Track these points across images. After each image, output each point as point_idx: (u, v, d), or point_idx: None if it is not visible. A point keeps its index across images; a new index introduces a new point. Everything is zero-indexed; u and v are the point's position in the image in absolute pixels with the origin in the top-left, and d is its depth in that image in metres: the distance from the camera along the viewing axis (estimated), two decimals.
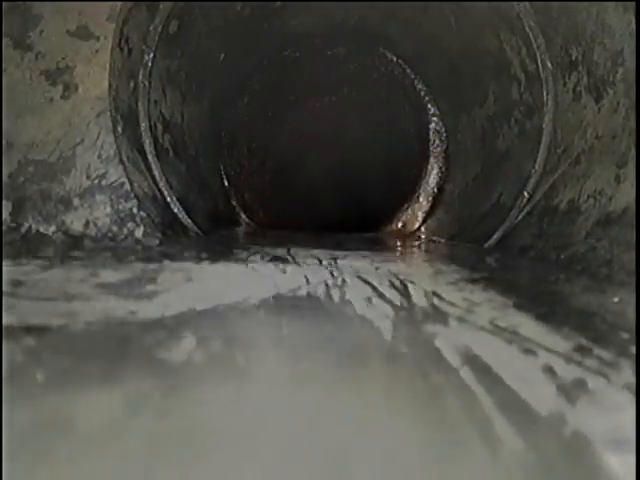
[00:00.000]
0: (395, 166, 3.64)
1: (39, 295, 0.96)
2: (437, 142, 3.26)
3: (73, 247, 1.72)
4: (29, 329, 0.73)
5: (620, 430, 0.49)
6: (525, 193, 2.22)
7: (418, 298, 1.05)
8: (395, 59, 3.23)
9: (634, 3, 1.58)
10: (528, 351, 0.71)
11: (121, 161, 1.92)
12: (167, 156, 2.36)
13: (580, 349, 0.72)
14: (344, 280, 1.21)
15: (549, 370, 0.63)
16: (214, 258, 1.54)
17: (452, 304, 0.99)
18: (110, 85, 1.93)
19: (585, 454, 0.45)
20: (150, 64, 2.19)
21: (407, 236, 3.28)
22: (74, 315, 0.81)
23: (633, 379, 0.61)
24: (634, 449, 0.45)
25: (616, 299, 1.08)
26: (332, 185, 3.98)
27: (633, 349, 0.74)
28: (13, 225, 1.82)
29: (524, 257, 1.87)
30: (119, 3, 1.91)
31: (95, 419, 0.48)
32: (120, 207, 1.88)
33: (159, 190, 2.19)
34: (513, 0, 2.14)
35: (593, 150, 1.81)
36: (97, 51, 1.92)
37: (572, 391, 0.57)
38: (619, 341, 0.79)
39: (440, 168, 3.27)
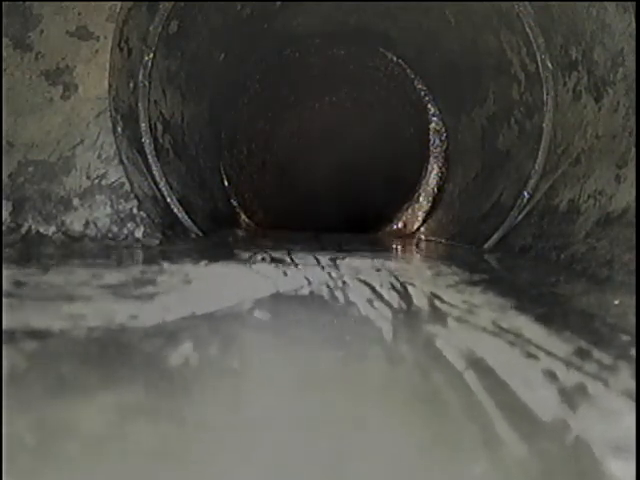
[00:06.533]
0: (395, 166, 3.64)
1: (42, 295, 0.96)
2: (437, 142, 3.26)
3: (73, 247, 1.71)
4: (31, 332, 0.73)
5: (620, 435, 0.49)
6: (525, 193, 2.22)
7: (418, 300, 1.05)
8: (395, 59, 3.23)
9: (634, 3, 1.58)
10: (529, 354, 0.70)
11: (121, 161, 1.92)
12: (167, 156, 2.36)
13: (580, 352, 0.72)
14: (344, 282, 1.21)
15: (550, 374, 0.63)
16: (214, 260, 1.54)
17: (452, 306, 0.99)
18: (110, 85, 1.93)
19: (587, 459, 0.45)
20: (150, 64, 2.19)
21: (407, 236, 3.28)
22: (75, 319, 0.81)
23: (632, 383, 0.61)
24: (634, 454, 0.45)
25: (616, 302, 1.08)
26: (332, 185, 3.98)
27: (633, 351, 0.73)
28: (13, 225, 1.81)
29: (524, 257, 1.87)
30: (119, 3, 1.91)
31: (95, 424, 0.48)
32: (120, 207, 1.88)
33: (159, 190, 2.19)
34: (513, 0, 2.13)
35: (593, 150, 1.81)
36: (97, 51, 1.92)
37: (573, 396, 0.57)
38: (619, 344, 0.78)
39: (440, 168, 3.27)
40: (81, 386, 0.57)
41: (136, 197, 1.92)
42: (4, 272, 1.16)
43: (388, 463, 0.44)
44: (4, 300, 0.90)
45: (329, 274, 1.31)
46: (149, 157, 2.21)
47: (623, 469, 0.43)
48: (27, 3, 1.89)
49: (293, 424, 0.50)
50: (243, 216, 3.32)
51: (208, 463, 0.42)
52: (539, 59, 2.14)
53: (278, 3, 2.68)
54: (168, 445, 0.45)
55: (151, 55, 2.18)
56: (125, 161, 1.95)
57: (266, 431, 0.48)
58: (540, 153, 2.19)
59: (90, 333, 0.75)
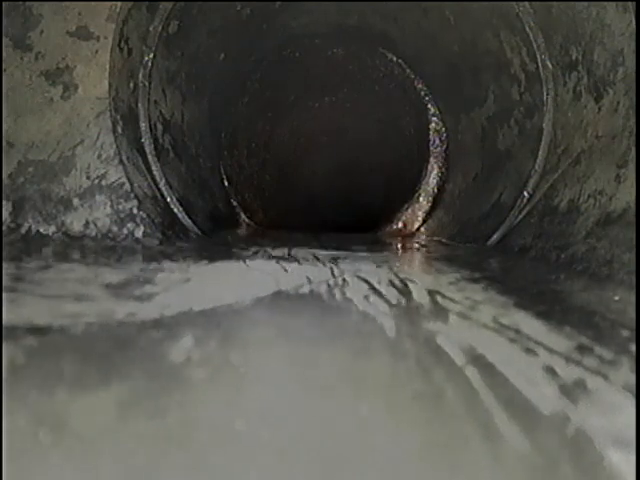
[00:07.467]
0: (395, 166, 3.64)
1: (41, 293, 0.96)
2: (437, 142, 3.26)
3: (73, 247, 1.71)
4: (31, 329, 0.73)
5: (620, 429, 0.49)
6: (525, 193, 2.22)
7: (419, 297, 1.05)
8: (395, 59, 3.23)
9: (634, 3, 1.58)
10: (529, 350, 0.71)
11: (121, 161, 1.92)
12: (167, 156, 2.36)
13: (580, 348, 0.72)
14: (344, 280, 1.21)
15: (550, 369, 0.63)
16: (215, 259, 1.54)
17: (453, 302, 0.99)
18: (110, 85, 1.93)
19: (588, 452, 0.45)
20: (150, 64, 2.19)
21: (407, 236, 3.28)
22: (74, 316, 0.81)
23: (632, 378, 0.61)
24: (634, 447, 0.45)
25: (616, 297, 1.09)
26: (332, 185, 3.98)
27: (633, 347, 0.74)
28: (13, 225, 1.81)
29: (524, 257, 1.87)
30: (119, 3, 1.91)
31: (93, 420, 0.48)
32: (120, 207, 1.88)
33: (159, 190, 2.19)
34: (513, 0, 2.14)
35: (593, 150, 1.81)
36: (97, 51, 1.92)
37: (574, 390, 0.57)
38: (619, 339, 0.79)
39: (440, 168, 3.27)
40: (80, 381, 0.57)
41: (136, 197, 1.92)
42: (4, 268, 1.16)
43: (389, 459, 0.44)
44: (4, 295, 0.90)
45: (330, 273, 1.32)
46: (149, 157, 2.21)
47: (624, 461, 0.43)
48: (27, 3, 1.89)
49: (293, 420, 0.50)
50: (243, 216, 3.32)
51: (207, 459, 0.42)
52: (539, 59, 2.14)
53: (278, 3, 2.68)
54: (167, 440, 0.45)
55: (151, 55, 2.18)
56: (125, 161, 1.95)
57: (266, 427, 0.48)
58: (540, 153, 2.20)
59: (89, 329, 0.75)
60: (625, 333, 0.81)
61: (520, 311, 0.92)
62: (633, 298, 1.06)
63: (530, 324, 0.84)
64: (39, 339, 0.70)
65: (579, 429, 0.48)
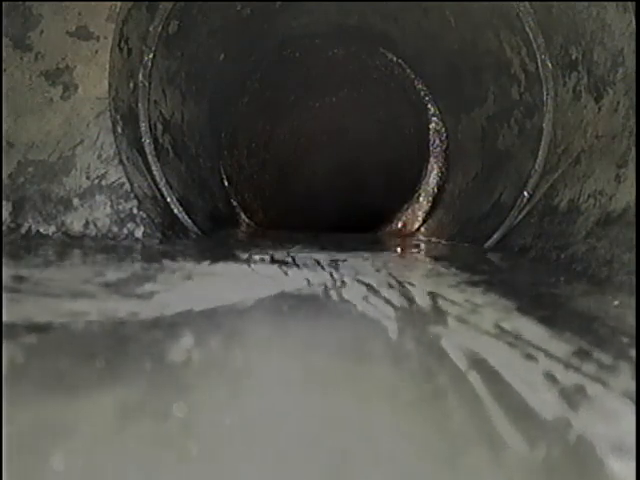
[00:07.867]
0: (395, 166, 3.63)
1: (41, 292, 0.96)
2: (437, 142, 3.26)
3: (73, 247, 1.71)
4: (31, 328, 0.73)
5: (620, 435, 0.49)
6: (525, 193, 2.22)
7: (420, 300, 1.05)
8: (395, 59, 3.23)
9: (634, 3, 1.58)
10: (529, 355, 0.70)
11: (121, 161, 1.92)
12: (167, 156, 2.36)
13: (580, 353, 0.72)
14: (344, 282, 1.21)
15: (551, 375, 0.63)
16: (215, 259, 1.54)
17: (454, 305, 0.99)
18: (110, 85, 1.93)
19: (588, 459, 0.45)
20: (150, 64, 2.19)
21: (407, 236, 3.28)
22: (74, 314, 0.81)
23: (632, 384, 0.61)
24: (634, 454, 0.45)
25: (616, 302, 1.08)
26: (332, 185, 3.98)
27: (632, 352, 0.73)
28: (13, 225, 1.82)
29: (524, 257, 1.87)
30: (119, 3, 1.91)
31: (94, 420, 0.48)
32: (120, 207, 1.88)
33: (159, 190, 2.19)
34: (513, 0, 2.14)
35: (593, 150, 1.81)
36: (97, 51, 1.92)
37: (574, 396, 0.57)
38: (619, 345, 0.79)
39: (440, 168, 3.27)
40: (81, 381, 0.57)
41: (136, 197, 1.92)
42: (4, 268, 1.16)
43: (391, 461, 0.44)
44: (4, 295, 0.90)
45: (330, 274, 1.31)
46: (149, 157, 2.21)
47: (625, 468, 0.43)
48: (27, 3, 1.89)
49: (295, 421, 0.50)
50: (243, 216, 3.32)
51: (208, 459, 0.42)
52: (539, 59, 2.14)
53: (278, 3, 2.68)
54: (168, 440, 0.45)
55: (151, 55, 2.18)
56: (125, 161, 1.95)
57: (268, 428, 0.48)
58: (540, 153, 2.20)
59: (89, 328, 0.75)
60: (625, 339, 0.81)
61: (520, 315, 0.92)
62: (633, 302, 1.06)
63: (531, 329, 0.84)
64: (39, 338, 0.70)
65: (580, 435, 0.48)
